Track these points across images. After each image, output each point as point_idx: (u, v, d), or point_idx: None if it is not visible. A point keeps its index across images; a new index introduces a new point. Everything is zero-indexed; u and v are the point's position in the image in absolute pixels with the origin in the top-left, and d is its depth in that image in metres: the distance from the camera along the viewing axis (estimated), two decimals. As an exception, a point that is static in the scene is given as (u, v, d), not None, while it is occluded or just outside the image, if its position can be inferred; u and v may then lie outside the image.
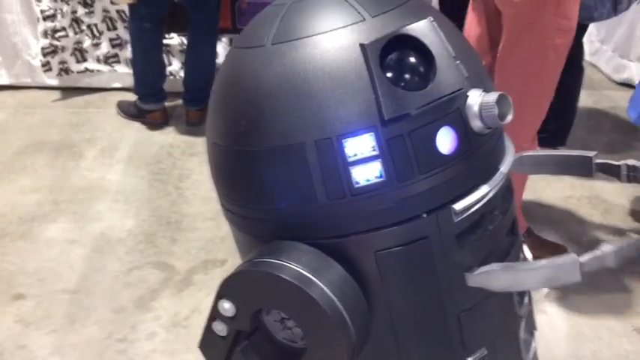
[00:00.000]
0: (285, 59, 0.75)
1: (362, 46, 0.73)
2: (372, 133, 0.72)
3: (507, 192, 0.88)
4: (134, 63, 2.89)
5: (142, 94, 2.91)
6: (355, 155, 0.72)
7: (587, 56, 2.85)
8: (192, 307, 1.85)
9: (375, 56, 0.72)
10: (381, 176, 0.73)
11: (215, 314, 0.80)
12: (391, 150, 0.72)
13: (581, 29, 2.35)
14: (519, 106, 1.77)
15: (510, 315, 0.90)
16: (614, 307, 1.83)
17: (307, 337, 0.76)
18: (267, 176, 0.77)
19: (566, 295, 1.88)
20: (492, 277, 0.81)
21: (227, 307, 0.78)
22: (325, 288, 0.73)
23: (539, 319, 1.77)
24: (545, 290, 1.90)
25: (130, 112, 2.99)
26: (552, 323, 1.77)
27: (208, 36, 2.89)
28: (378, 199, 0.74)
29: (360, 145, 0.72)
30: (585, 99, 2.87)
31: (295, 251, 0.76)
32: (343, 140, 0.72)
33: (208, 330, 0.81)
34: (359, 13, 0.76)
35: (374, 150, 0.72)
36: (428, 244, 0.77)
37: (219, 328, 0.80)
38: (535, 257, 1.98)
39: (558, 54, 1.71)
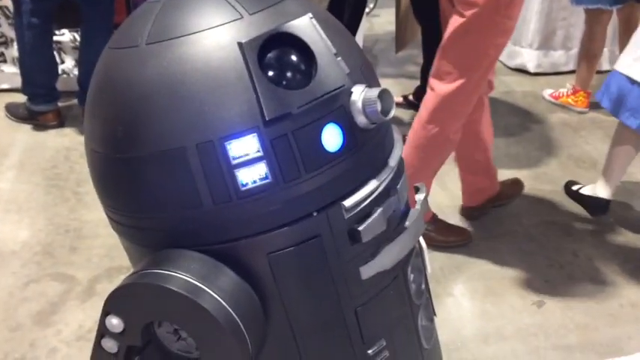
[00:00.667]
0: (161, 60, 0.71)
1: (240, 44, 0.71)
2: (255, 134, 0.70)
3: (403, 183, 0.89)
4: (21, 61, 2.69)
5: (32, 94, 2.72)
6: (239, 157, 0.70)
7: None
8: (96, 319, 1.74)
9: (254, 55, 0.71)
10: (267, 177, 0.71)
11: (103, 331, 0.76)
12: (275, 150, 0.71)
13: None
14: (451, 96, 1.82)
15: (407, 305, 0.91)
16: (515, 285, 1.92)
17: (201, 348, 0.74)
18: (149, 183, 0.73)
19: (471, 277, 1.96)
20: (384, 256, 0.82)
21: (115, 322, 0.74)
22: (216, 296, 0.71)
23: (446, 301, 1.83)
24: (435, 272, 1.96)
25: (19, 114, 2.79)
26: (458, 304, 1.84)
27: (103, 31, 2.74)
28: (265, 201, 0.72)
29: (244, 147, 0.70)
30: (482, 85, 3.00)
31: (183, 259, 0.73)
32: (226, 142, 0.70)
33: (97, 348, 0.78)
34: (236, 10, 0.74)
35: (258, 151, 0.71)
36: (320, 242, 0.76)
37: (109, 345, 0.77)
38: (443, 242, 2.05)
39: (497, 52, 1.78)
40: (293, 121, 0.71)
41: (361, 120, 0.76)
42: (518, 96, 3.26)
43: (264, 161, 0.71)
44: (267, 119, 0.70)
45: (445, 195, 2.35)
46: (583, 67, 3.02)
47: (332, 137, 0.75)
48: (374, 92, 0.75)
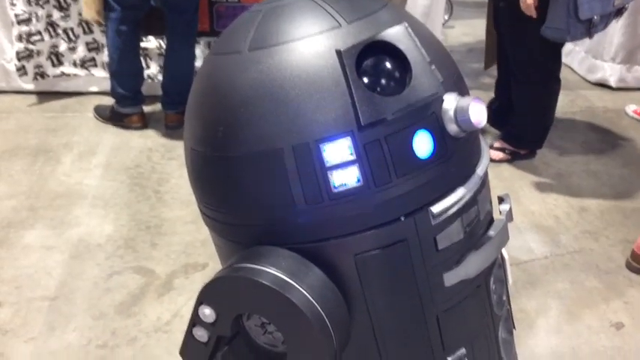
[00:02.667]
0: (262, 65, 0.75)
1: (338, 52, 0.73)
2: (349, 138, 0.73)
3: (485, 193, 0.89)
4: (111, 66, 2.85)
5: (120, 97, 2.88)
6: (333, 160, 0.73)
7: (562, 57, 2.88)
8: (174, 312, 1.83)
9: (352, 62, 0.73)
10: (358, 181, 0.74)
11: (196, 320, 0.79)
12: (368, 154, 0.73)
13: (558, 45, 2.39)
14: None
15: (488, 315, 0.91)
16: (591, 305, 1.86)
17: (288, 342, 0.76)
18: (245, 182, 0.77)
19: (546, 293, 1.91)
20: (468, 264, 0.82)
21: (208, 312, 0.78)
22: (305, 292, 0.73)
23: (518, 317, 1.79)
24: (511, 285, 1.92)
25: (107, 116, 2.96)
26: (531, 321, 1.79)
27: (186, 39, 2.87)
28: (355, 204, 0.74)
29: (338, 150, 0.73)
30: (561, 98, 2.91)
31: (274, 256, 0.76)
32: (321, 145, 0.73)
33: (189, 336, 0.81)
34: (334, 19, 0.77)
35: (351, 155, 0.73)
36: (406, 246, 0.78)
37: (200, 334, 0.80)
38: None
39: None
40: (386, 126, 0.73)
41: (452, 128, 0.78)
42: (599, 111, 3.16)
43: (357, 165, 0.73)
44: (362, 124, 0.72)
45: (519, 210, 2.30)
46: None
47: (423, 144, 0.76)
48: (466, 101, 0.76)
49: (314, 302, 0.73)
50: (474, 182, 0.84)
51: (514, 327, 1.03)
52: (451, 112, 0.77)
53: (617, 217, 2.27)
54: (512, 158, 2.62)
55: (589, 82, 3.44)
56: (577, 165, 2.64)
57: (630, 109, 3.08)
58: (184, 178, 2.51)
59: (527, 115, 2.53)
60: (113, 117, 2.93)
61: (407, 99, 0.75)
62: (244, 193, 0.78)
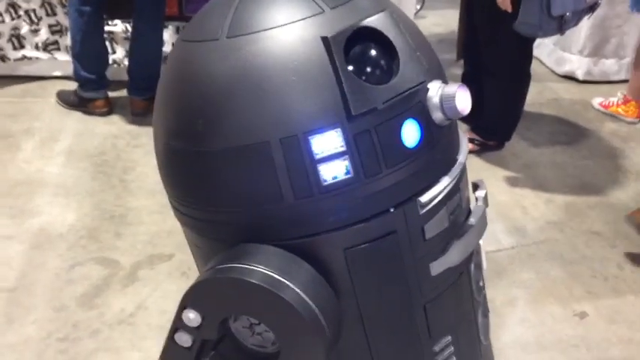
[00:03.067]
0: (243, 53, 0.72)
1: (325, 38, 0.71)
2: (339, 129, 0.70)
3: (465, 180, 0.89)
4: (73, 48, 2.76)
5: (83, 80, 2.79)
6: (322, 152, 0.71)
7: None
8: (138, 304, 1.80)
9: (339, 49, 0.70)
10: (348, 172, 0.72)
11: (178, 325, 0.76)
12: (358, 145, 0.71)
13: (530, 41, 2.41)
14: None
15: (469, 301, 0.92)
16: (555, 294, 1.89)
17: (281, 341, 0.74)
18: (230, 177, 0.74)
19: (511, 283, 1.93)
20: (452, 252, 0.82)
21: (192, 316, 0.75)
22: (297, 289, 0.71)
23: (485, 307, 1.81)
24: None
25: (70, 101, 2.87)
26: (497, 311, 1.81)
27: (154, 22, 2.80)
28: (346, 196, 0.73)
29: (327, 142, 0.71)
30: (530, 90, 2.93)
31: (263, 254, 0.74)
32: (310, 137, 0.70)
33: (170, 342, 0.78)
34: (317, 4, 0.74)
35: (341, 146, 0.71)
36: (395, 238, 0.77)
37: (184, 339, 0.77)
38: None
39: None
40: (376, 116, 0.71)
41: (438, 116, 0.77)
42: (565, 103, 3.20)
43: (347, 156, 0.71)
44: (353, 114, 0.70)
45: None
46: (636, 76, 2.94)
47: (411, 133, 0.75)
48: (452, 88, 0.75)
49: (307, 299, 0.71)
50: (456, 170, 0.83)
51: (488, 310, 1.04)
52: (436, 100, 0.76)
53: (582, 208, 2.31)
54: (481, 149, 2.64)
55: (557, 74, 3.48)
56: (544, 156, 2.67)
57: (596, 101, 3.13)
58: (150, 166, 2.46)
59: (497, 107, 2.54)
60: (76, 102, 2.84)
61: (396, 87, 0.73)
62: (229, 190, 0.75)
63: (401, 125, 0.74)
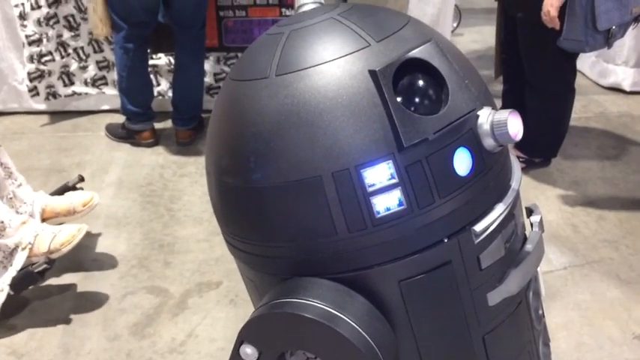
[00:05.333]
0: (292, 90, 0.73)
1: (373, 72, 0.71)
2: (391, 161, 0.71)
3: (519, 206, 0.88)
4: (120, 83, 2.86)
5: (130, 114, 2.88)
6: (374, 185, 0.71)
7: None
8: (188, 332, 1.82)
9: (388, 82, 0.71)
10: (401, 204, 0.71)
11: (236, 359, 0.77)
12: (410, 177, 0.71)
13: (575, 55, 2.37)
14: None
15: (529, 330, 0.90)
16: (613, 316, 1.82)
17: None
18: (283, 212, 0.74)
19: (566, 306, 1.87)
20: (510, 281, 0.81)
21: (249, 352, 0.75)
22: (353, 323, 0.71)
23: (539, 330, 1.76)
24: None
25: (118, 134, 2.96)
26: (553, 334, 1.75)
27: (195, 54, 2.88)
28: (399, 228, 0.72)
29: (379, 175, 0.71)
30: (574, 104, 2.88)
31: (317, 288, 0.74)
32: (362, 170, 0.70)
33: None
34: (363, 38, 0.74)
35: (393, 178, 0.71)
36: (451, 269, 0.76)
37: None
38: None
39: None
40: (428, 146, 0.71)
41: (489, 143, 0.76)
42: (613, 116, 3.11)
43: (399, 188, 0.71)
44: (404, 146, 0.70)
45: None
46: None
47: (462, 161, 0.74)
48: (504, 114, 0.75)
49: (363, 333, 0.71)
50: (510, 197, 0.82)
51: (549, 339, 1.01)
52: (487, 127, 0.76)
53: (636, 225, 2.23)
54: (527, 167, 2.59)
55: (601, 86, 3.40)
56: (592, 172, 2.60)
57: (645, 113, 3.04)
58: (196, 195, 2.51)
59: (541, 124, 2.50)
60: (124, 134, 2.94)
61: (446, 117, 0.73)
62: (282, 225, 0.75)
63: (453, 154, 0.74)
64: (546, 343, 0.97)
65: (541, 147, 2.59)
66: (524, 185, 2.49)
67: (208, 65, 3.11)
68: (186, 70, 2.87)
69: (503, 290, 0.81)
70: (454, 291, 0.77)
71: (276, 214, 0.75)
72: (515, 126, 0.76)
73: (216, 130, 0.83)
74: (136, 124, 2.90)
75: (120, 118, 3.01)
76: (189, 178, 2.66)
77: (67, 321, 1.88)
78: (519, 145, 2.63)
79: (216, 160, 0.82)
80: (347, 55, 0.73)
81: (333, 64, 0.73)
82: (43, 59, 3.09)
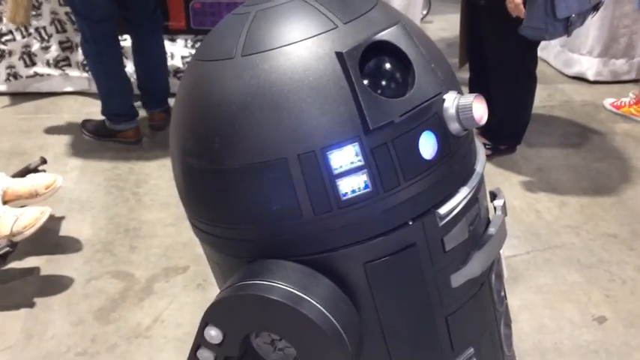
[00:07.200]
0: (258, 71, 0.72)
1: (340, 54, 0.71)
2: (357, 144, 0.71)
3: (483, 190, 0.89)
4: (98, 85, 2.70)
5: (111, 116, 2.72)
6: (340, 167, 0.71)
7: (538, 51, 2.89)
8: (154, 317, 1.80)
9: (355, 64, 0.71)
10: (366, 187, 0.72)
11: (200, 342, 0.76)
12: (376, 159, 0.71)
13: (535, 43, 2.41)
14: None
15: (492, 312, 0.92)
16: (573, 299, 1.87)
17: (303, 357, 0.74)
18: (248, 194, 0.74)
19: (528, 289, 1.91)
20: (473, 263, 0.82)
21: (214, 333, 0.75)
22: (318, 304, 0.71)
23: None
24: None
25: (99, 132, 2.77)
26: (515, 316, 1.79)
27: (153, 35, 2.74)
28: (365, 210, 0.73)
29: (345, 157, 0.71)
30: (539, 92, 2.93)
31: (282, 270, 0.74)
32: (328, 152, 0.70)
33: (193, 359, 0.78)
34: (330, 20, 0.74)
35: (359, 160, 0.71)
36: (415, 251, 0.77)
37: (206, 356, 0.77)
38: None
39: None
40: (393, 129, 0.72)
41: (454, 127, 0.77)
42: (576, 105, 3.18)
43: (365, 171, 0.71)
44: (370, 128, 0.70)
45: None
46: (647, 75, 2.92)
47: (428, 145, 0.75)
48: (469, 99, 0.76)
49: (327, 314, 0.71)
50: (474, 180, 0.83)
51: (511, 320, 1.03)
52: (453, 111, 0.76)
53: (597, 211, 2.29)
54: (493, 154, 2.63)
55: (566, 75, 3.46)
56: (556, 159, 2.66)
57: (608, 102, 3.11)
58: (164, 179, 2.48)
59: (505, 111, 2.54)
60: (106, 134, 2.75)
61: (412, 100, 0.73)
62: (247, 207, 0.75)
63: (418, 137, 0.74)
64: (508, 325, 0.99)
65: (505, 134, 2.63)
66: (489, 171, 2.52)
67: (176, 48, 3.06)
68: (147, 51, 2.75)
69: (466, 272, 0.82)
70: (418, 273, 0.78)
71: (241, 196, 0.75)
72: (479, 110, 0.77)
73: (181, 111, 0.82)
74: (118, 125, 2.72)
75: (83, 100, 2.95)
76: (156, 162, 2.62)
77: (30, 305, 1.84)
78: (485, 132, 2.66)
79: (181, 142, 0.81)
80: (314, 36, 0.73)
81: (299, 46, 0.73)
82: (3, 39, 3.00)
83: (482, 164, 0.86)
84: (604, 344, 1.70)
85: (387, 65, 0.75)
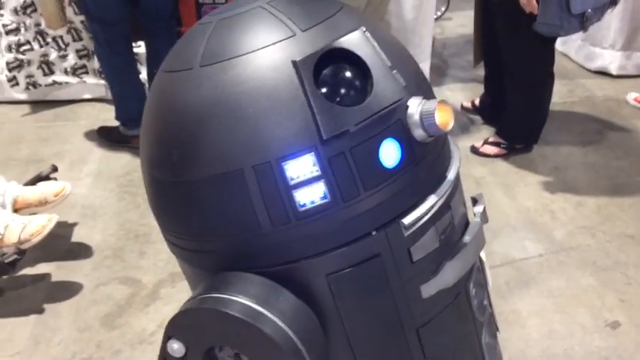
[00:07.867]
0: (215, 82, 0.71)
1: (294, 62, 0.70)
2: (313, 153, 0.69)
3: (458, 197, 0.86)
4: (111, 89, 2.73)
5: (124, 120, 2.75)
6: (297, 177, 0.70)
7: (558, 46, 2.82)
8: (159, 322, 1.81)
9: (309, 73, 0.69)
10: (325, 197, 0.70)
11: (165, 355, 0.76)
12: (333, 169, 0.70)
13: (552, 40, 2.34)
14: None
15: (470, 322, 0.89)
16: (586, 303, 1.81)
17: None
18: (206, 206, 0.73)
19: (539, 293, 1.86)
20: (445, 273, 0.79)
21: (176, 347, 0.75)
22: (277, 320, 0.70)
23: (511, 318, 1.75)
24: (504, 286, 1.88)
25: (113, 138, 2.81)
26: (524, 323, 1.75)
27: (167, 43, 2.78)
28: (324, 221, 0.71)
29: (301, 167, 0.70)
30: (559, 88, 2.85)
31: (242, 283, 0.73)
32: (283, 163, 0.69)
33: None
34: (289, 27, 0.73)
35: (316, 171, 0.70)
36: (380, 261, 0.75)
37: None
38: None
39: None
40: (350, 138, 0.70)
41: (419, 133, 0.74)
42: (598, 100, 3.08)
43: (323, 181, 0.70)
44: (324, 138, 0.69)
45: (513, 207, 2.25)
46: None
47: (390, 153, 0.73)
48: (432, 104, 0.73)
49: (287, 330, 0.70)
50: (445, 188, 0.80)
51: (497, 330, 1.00)
52: (416, 117, 0.74)
53: (615, 211, 2.21)
54: (508, 153, 2.57)
55: (588, 70, 3.36)
56: (574, 157, 2.58)
57: (631, 97, 3.01)
58: (174, 184, 2.49)
59: (520, 109, 2.48)
60: (120, 139, 2.79)
61: (370, 108, 0.71)
62: (206, 219, 0.74)
63: (378, 146, 0.72)
64: (493, 334, 0.96)
65: (521, 133, 2.57)
66: (504, 171, 2.48)
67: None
68: (162, 59, 2.75)
69: (438, 282, 0.80)
70: (384, 284, 0.76)
71: (201, 208, 0.74)
72: (443, 116, 0.74)
73: (146, 122, 0.82)
74: (131, 130, 2.74)
75: (101, 107, 2.99)
76: (168, 167, 2.63)
77: (40, 311, 1.87)
78: (500, 131, 2.61)
79: (147, 154, 0.81)
80: (271, 45, 0.72)
81: (256, 55, 0.72)
82: (22, 48, 3.06)
83: (454, 170, 0.83)
84: (616, 350, 1.64)
85: (344, 73, 0.73)
